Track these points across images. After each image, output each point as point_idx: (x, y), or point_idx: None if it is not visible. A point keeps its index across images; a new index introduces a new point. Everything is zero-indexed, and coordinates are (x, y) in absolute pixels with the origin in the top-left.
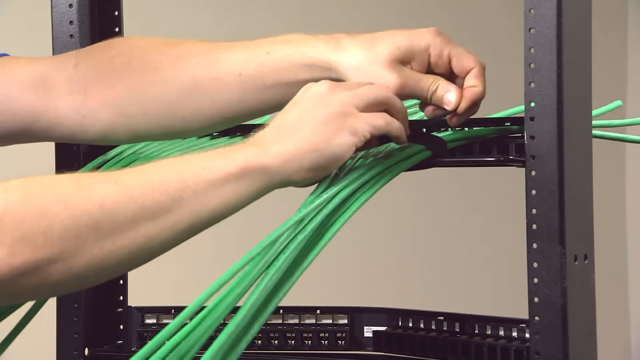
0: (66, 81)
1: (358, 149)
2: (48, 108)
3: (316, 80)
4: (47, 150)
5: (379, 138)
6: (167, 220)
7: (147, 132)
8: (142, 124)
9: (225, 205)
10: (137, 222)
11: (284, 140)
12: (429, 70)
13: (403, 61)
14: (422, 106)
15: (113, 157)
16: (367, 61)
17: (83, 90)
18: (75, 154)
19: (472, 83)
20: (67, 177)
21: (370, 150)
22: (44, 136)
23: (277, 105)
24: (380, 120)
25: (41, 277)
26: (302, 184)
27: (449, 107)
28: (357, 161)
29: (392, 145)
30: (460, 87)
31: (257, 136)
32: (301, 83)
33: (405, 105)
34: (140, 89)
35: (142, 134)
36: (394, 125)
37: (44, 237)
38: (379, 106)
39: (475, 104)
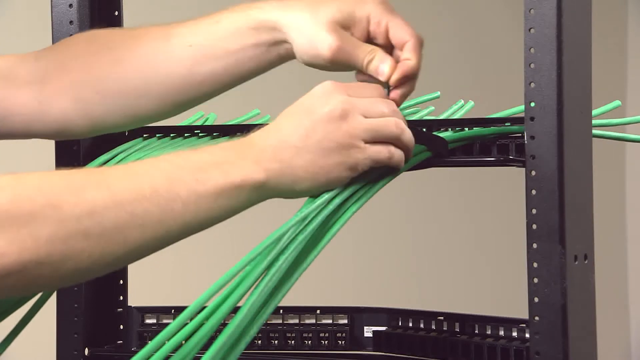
0: (26, 73)
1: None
2: (5, 98)
3: (263, 44)
4: (47, 150)
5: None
6: (156, 229)
7: (103, 117)
8: (97, 107)
9: (215, 216)
10: (126, 229)
11: (284, 161)
12: (369, 41)
13: (344, 25)
14: (357, 75)
15: (114, 157)
16: (309, 22)
17: (42, 79)
18: (75, 154)
19: (406, 56)
20: (59, 178)
21: None
22: (8, 131)
23: (228, 77)
24: (382, 155)
25: (27, 278)
26: (290, 198)
27: (382, 78)
28: None
29: None
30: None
31: (256, 144)
32: (249, 48)
33: (404, 105)
34: (93, 70)
35: (99, 120)
36: (395, 159)
37: (31, 240)
38: (388, 140)
39: (407, 78)
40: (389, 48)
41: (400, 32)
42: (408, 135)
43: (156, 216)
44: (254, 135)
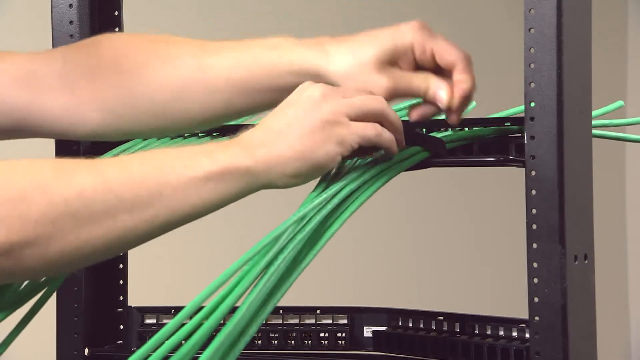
0: (55, 78)
1: (346, 158)
2: (36, 104)
3: None
4: (47, 150)
5: (370, 148)
6: (145, 214)
7: (137, 130)
8: (131, 123)
9: (204, 203)
10: (114, 213)
11: (270, 144)
12: (418, 67)
13: (390, 62)
14: (411, 110)
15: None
16: (355, 67)
17: (71, 88)
18: (75, 153)
19: (459, 78)
20: (49, 163)
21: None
22: (36, 132)
23: (267, 107)
24: (370, 131)
25: (14, 260)
26: (284, 187)
27: (441, 105)
28: (356, 161)
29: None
30: (450, 78)
31: (244, 136)
32: (290, 88)
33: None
34: (128, 90)
35: (133, 132)
36: (385, 137)
37: (19, 222)
38: (372, 117)
39: (466, 99)
40: (435, 70)
41: (446, 56)
42: (394, 115)
43: (145, 200)
44: (240, 134)
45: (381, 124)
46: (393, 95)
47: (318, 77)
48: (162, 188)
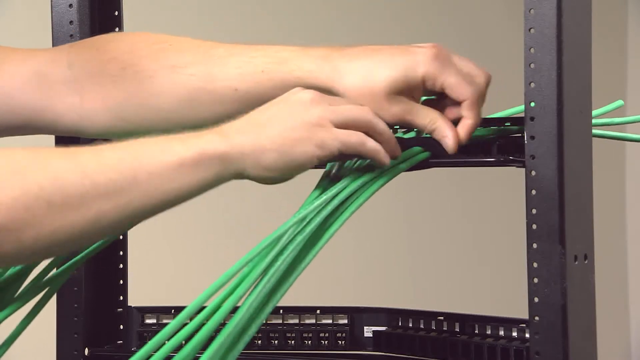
0: (62, 80)
1: (326, 161)
2: (46, 107)
3: None
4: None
5: (353, 156)
6: (119, 200)
7: (145, 131)
8: (139, 126)
9: (178, 190)
10: (89, 198)
11: (248, 133)
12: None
13: (400, 92)
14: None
15: None
16: (365, 90)
17: (79, 92)
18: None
19: (464, 115)
20: (24, 150)
21: None
22: (43, 130)
23: None
24: (352, 139)
25: None
26: (260, 181)
27: (448, 150)
28: (356, 162)
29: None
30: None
31: (224, 125)
32: None
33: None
34: (136, 99)
35: (141, 132)
36: (369, 146)
37: None
38: (358, 126)
39: (469, 134)
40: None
41: (456, 93)
42: (382, 126)
43: (119, 185)
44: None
45: (368, 134)
46: (399, 124)
47: (328, 93)
48: (136, 173)
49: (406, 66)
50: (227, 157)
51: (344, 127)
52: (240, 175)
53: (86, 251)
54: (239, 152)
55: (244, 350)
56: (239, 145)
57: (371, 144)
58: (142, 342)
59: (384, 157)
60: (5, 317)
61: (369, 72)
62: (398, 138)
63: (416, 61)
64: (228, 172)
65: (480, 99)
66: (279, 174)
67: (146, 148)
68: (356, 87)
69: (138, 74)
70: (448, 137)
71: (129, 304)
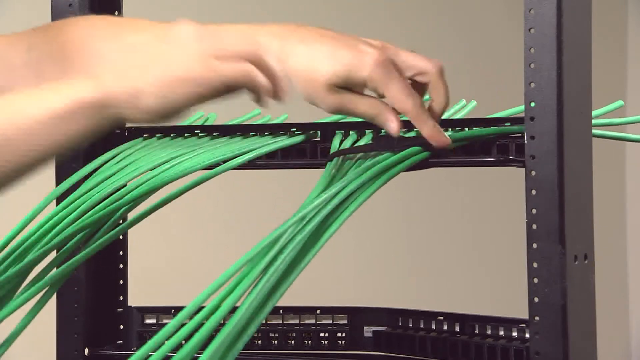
0: (21, 64)
1: (212, 98)
2: (6, 90)
3: None
4: None
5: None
6: None
7: None
8: None
9: (53, 143)
10: None
11: (125, 77)
12: None
13: (341, 86)
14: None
15: (114, 157)
16: (306, 78)
17: (38, 75)
18: (76, 153)
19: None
20: None
21: (371, 152)
22: None
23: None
24: (238, 72)
25: None
26: (138, 122)
27: (391, 133)
28: (356, 161)
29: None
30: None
31: (102, 66)
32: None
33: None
34: None
35: None
36: (258, 81)
37: None
38: (248, 58)
39: (434, 137)
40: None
41: (397, 105)
42: (273, 65)
43: None
44: (97, 62)
45: (259, 68)
46: (337, 113)
47: None
48: (6, 130)
49: (350, 65)
50: (102, 104)
51: (229, 60)
52: (119, 121)
53: (86, 250)
54: (115, 98)
55: (243, 350)
56: (115, 92)
57: (260, 78)
58: (142, 342)
59: (274, 94)
60: (5, 317)
61: (313, 60)
62: (398, 137)
63: (361, 63)
64: (105, 119)
65: (421, 111)
66: (160, 117)
67: (18, 102)
68: (298, 71)
69: (93, 55)
70: (390, 120)
71: (129, 304)
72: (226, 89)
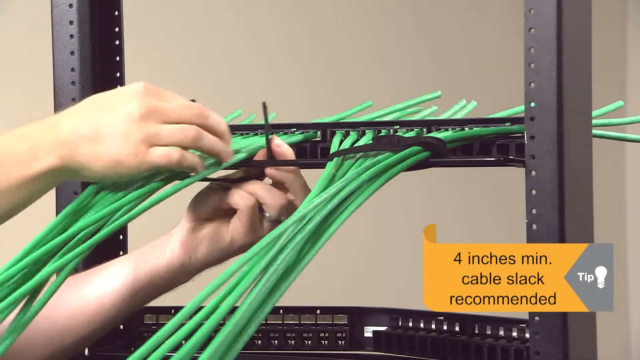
0: None
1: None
2: None
3: None
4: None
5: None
6: None
7: None
8: None
9: (18, 205)
10: None
11: (73, 149)
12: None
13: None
14: None
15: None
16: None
17: None
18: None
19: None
20: None
21: (371, 152)
22: None
23: None
24: (169, 159)
25: None
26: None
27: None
28: (356, 161)
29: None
30: None
31: (54, 135)
32: None
33: (405, 104)
34: None
35: None
36: (187, 162)
37: None
38: (183, 146)
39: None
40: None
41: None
42: (207, 141)
43: None
44: (55, 118)
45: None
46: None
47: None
48: None
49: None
50: (58, 171)
51: (172, 141)
52: (70, 179)
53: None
54: (67, 167)
55: (243, 350)
56: (66, 162)
57: (190, 161)
58: (142, 342)
59: (222, 156)
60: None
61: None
62: (398, 137)
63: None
64: (59, 180)
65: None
66: (109, 181)
67: None
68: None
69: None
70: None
71: None
72: (155, 169)
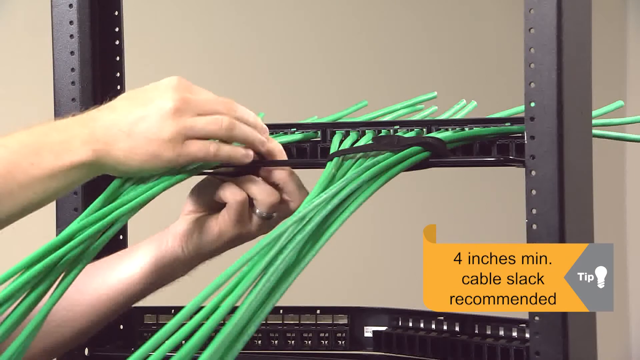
0: None
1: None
2: None
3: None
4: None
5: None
6: None
7: None
8: None
9: (50, 195)
10: None
11: (108, 144)
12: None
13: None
14: None
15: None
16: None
17: None
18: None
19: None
20: None
21: (371, 152)
22: None
23: None
24: (202, 153)
25: None
26: (121, 175)
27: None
28: (356, 161)
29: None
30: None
31: (89, 128)
32: None
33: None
34: None
35: None
36: (222, 155)
37: None
38: (217, 138)
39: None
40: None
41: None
42: (240, 130)
43: None
44: (92, 113)
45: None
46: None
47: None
48: (10, 186)
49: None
50: (92, 165)
51: (206, 132)
52: (103, 173)
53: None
54: (102, 161)
55: (243, 350)
56: (101, 156)
57: (225, 152)
58: (142, 342)
59: (242, 157)
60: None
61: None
62: (398, 137)
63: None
64: (92, 174)
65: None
66: (146, 174)
67: (17, 160)
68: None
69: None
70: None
71: None
72: (191, 162)
